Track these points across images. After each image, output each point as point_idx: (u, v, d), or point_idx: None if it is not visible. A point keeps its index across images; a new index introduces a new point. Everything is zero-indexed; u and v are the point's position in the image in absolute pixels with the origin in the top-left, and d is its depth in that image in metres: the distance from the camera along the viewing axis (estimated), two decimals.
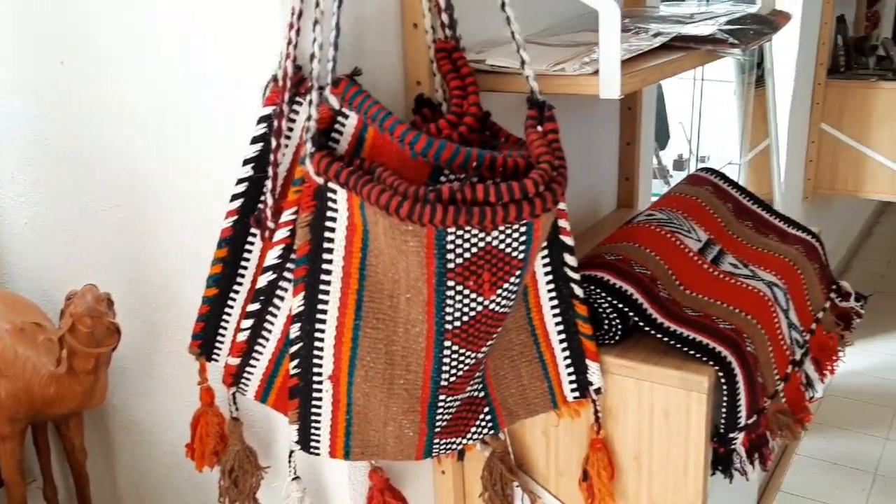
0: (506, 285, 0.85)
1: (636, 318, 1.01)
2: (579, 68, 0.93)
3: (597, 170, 1.54)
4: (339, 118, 0.87)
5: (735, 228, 1.30)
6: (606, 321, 1.02)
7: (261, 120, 0.91)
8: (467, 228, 0.79)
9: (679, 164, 2.16)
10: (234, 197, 0.93)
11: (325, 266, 0.87)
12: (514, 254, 0.83)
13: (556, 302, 0.98)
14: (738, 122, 2.46)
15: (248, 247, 0.94)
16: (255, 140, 0.91)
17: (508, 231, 0.81)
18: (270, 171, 0.89)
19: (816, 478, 2.20)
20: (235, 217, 0.93)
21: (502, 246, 0.82)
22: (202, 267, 0.96)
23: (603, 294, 1.02)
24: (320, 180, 0.85)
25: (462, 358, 0.88)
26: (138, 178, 1.12)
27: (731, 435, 1.00)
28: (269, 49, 0.90)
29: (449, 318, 0.83)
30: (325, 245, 0.87)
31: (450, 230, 0.78)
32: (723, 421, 0.99)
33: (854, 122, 2.78)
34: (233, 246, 0.94)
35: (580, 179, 1.48)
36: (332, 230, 0.86)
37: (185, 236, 1.11)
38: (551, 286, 0.98)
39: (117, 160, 1.14)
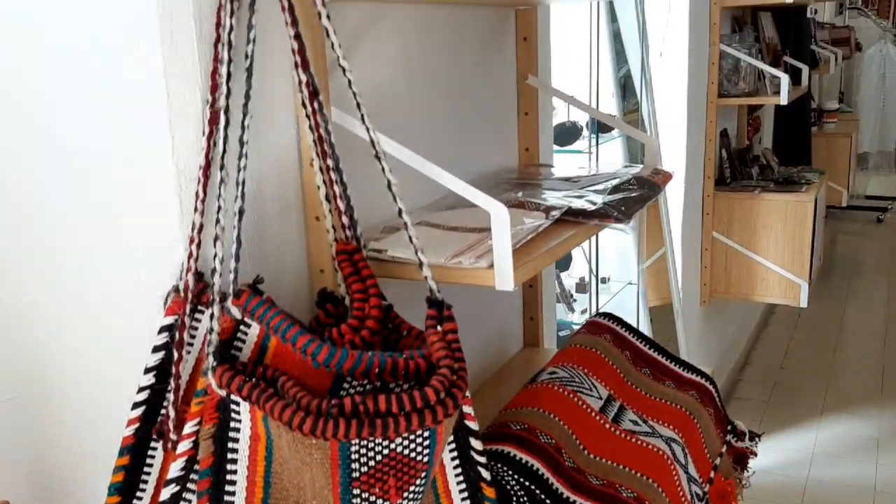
0: (412, 488, 0.86)
1: (542, 496, 1.03)
2: (475, 262, 0.97)
3: (502, 310, 1.59)
4: (242, 327, 0.88)
5: (634, 378, 1.35)
6: (515, 500, 1.04)
7: (162, 329, 0.91)
8: (371, 438, 0.80)
9: (581, 286, 2.24)
10: (136, 405, 0.92)
11: (229, 477, 0.86)
12: (419, 458, 0.84)
13: (463, 486, 1.00)
14: (633, 235, 2.58)
15: (150, 455, 0.92)
16: (155, 349, 0.91)
17: (412, 437, 0.83)
18: (172, 384, 0.89)
19: None
20: (137, 425, 0.92)
21: (407, 451, 0.83)
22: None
23: (510, 472, 1.04)
24: (223, 393, 0.85)
25: None
26: (40, 374, 1.10)
27: None
28: (170, 261, 0.91)
29: None
30: (229, 456, 0.86)
31: (353, 441, 0.80)
32: None
33: (742, 230, 2.96)
34: (134, 454, 0.92)
35: (487, 321, 1.52)
36: (236, 440, 0.86)
37: (87, 443, 1.08)
38: (458, 470, 1.00)
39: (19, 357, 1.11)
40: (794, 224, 2.85)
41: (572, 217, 1.19)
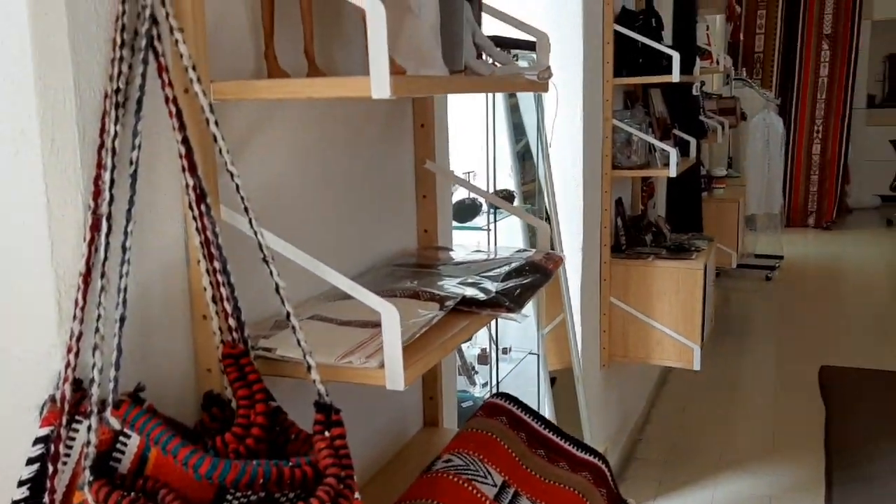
0: None
1: None
2: (365, 362, 0.98)
3: (401, 391, 1.59)
4: (121, 437, 0.86)
5: (529, 461, 1.37)
6: None
7: (37, 441, 0.87)
8: None
9: (483, 357, 2.27)
10: None
11: None
12: None
13: None
14: (532, 303, 2.64)
15: None
16: (30, 461, 0.87)
17: None
18: (47, 498, 0.85)
19: None
20: None
21: None
22: None
23: None
24: None
25: None
26: None
27: None
28: (47, 370, 0.88)
29: None
30: None
31: None
32: None
33: (638, 295, 3.06)
34: None
35: (385, 401, 1.52)
36: None
37: None
38: None
39: None
40: (686, 291, 2.97)
41: (465, 307, 1.21)
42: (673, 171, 2.97)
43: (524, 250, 1.50)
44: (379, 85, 0.85)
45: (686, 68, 3.29)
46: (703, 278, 3.04)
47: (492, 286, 1.27)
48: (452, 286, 1.28)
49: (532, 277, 1.34)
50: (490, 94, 2.27)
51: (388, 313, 0.94)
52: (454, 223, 1.89)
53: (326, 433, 0.90)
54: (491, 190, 2.18)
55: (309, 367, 0.92)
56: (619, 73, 3.04)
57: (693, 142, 3.52)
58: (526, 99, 2.70)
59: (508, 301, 1.21)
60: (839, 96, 8.01)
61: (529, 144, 2.70)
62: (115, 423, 0.85)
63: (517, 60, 2.17)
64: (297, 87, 0.92)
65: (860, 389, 3.93)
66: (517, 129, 2.68)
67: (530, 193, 2.67)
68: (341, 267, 1.36)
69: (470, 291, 1.23)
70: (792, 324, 5.25)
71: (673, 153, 2.95)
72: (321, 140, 1.29)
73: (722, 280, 6.32)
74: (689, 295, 2.97)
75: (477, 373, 2.22)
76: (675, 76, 2.86)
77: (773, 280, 6.26)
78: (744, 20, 8.17)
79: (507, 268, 1.38)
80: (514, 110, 2.67)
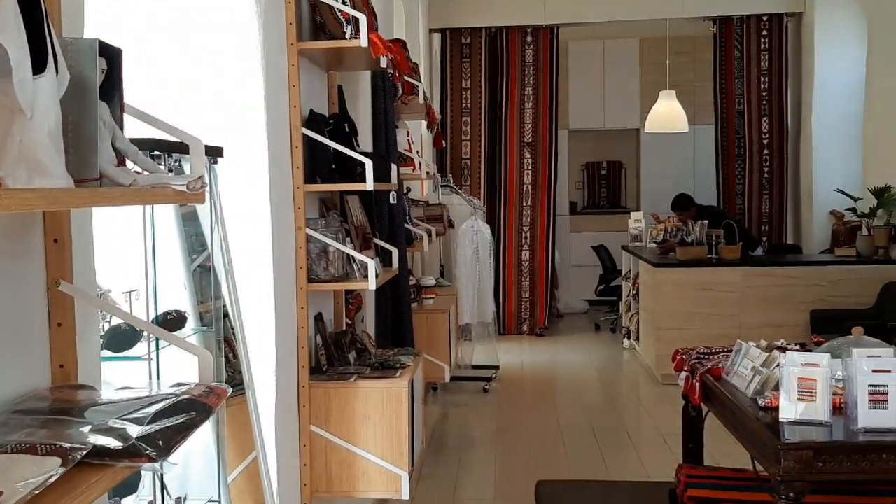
0: None
1: None
2: None
3: None
4: None
5: None
6: None
7: None
8: None
9: None
10: None
11: None
12: None
13: None
14: (213, 438, 2.52)
15: None
16: None
17: None
18: None
19: None
20: None
21: None
22: None
23: None
24: None
25: None
26: None
27: None
28: None
29: None
30: None
31: None
32: None
33: (341, 421, 3.07)
34: None
35: None
36: None
37: None
38: None
39: None
40: (391, 412, 3.03)
41: (98, 459, 1.12)
42: (372, 284, 3.06)
43: (182, 384, 1.43)
44: None
45: (384, 175, 3.46)
46: (409, 397, 3.13)
47: (135, 431, 1.19)
48: (85, 434, 1.18)
49: (185, 417, 1.28)
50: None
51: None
52: (107, 354, 1.77)
53: None
54: (158, 312, 2.08)
55: None
56: (312, 180, 3.12)
57: (395, 251, 3.68)
58: (206, 206, 2.65)
59: (151, 448, 1.13)
60: (543, 203, 8.90)
61: (212, 258, 2.64)
62: None
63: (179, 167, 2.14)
64: None
65: (574, 502, 4.23)
66: (196, 241, 2.62)
67: (213, 314, 2.59)
68: None
69: (103, 440, 1.14)
70: (510, 436, 5.56)
71: (371, 264, 3.06)
72: None
73: (440, 395, 6.56)
74: (395, 416, 3.03)
75: None
76: (370, 184, 2.99)
77: (490, 391, 6.63)
78: (450, 126, 8.88)
79: (157, 406, 1.30)
80: (191, 219, 2.61)
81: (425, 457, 4.73)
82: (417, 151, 5.35)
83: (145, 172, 1.32)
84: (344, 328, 3.67)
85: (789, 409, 2.50)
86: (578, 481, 4.49)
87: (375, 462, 3.02)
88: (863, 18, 7.68)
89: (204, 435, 2.43)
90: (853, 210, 6.99)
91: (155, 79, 2.67)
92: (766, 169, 8.67)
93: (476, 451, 5.31)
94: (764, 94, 8.59)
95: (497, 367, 7.12)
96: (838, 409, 2.55)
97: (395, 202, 3.92)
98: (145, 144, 1.83)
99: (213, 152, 2.36)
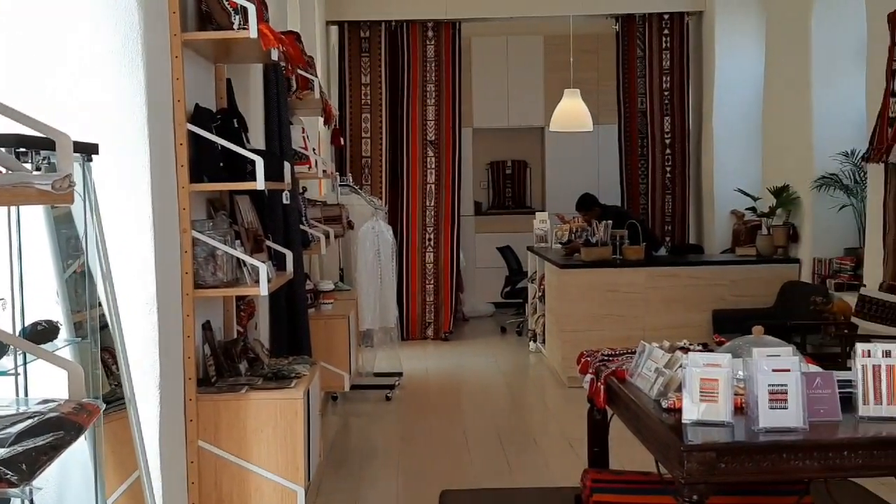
0: None
1: None
2: None
3: None
4: None
5: None
6: None
7: None
8: None
9: None
10: None
11: None
12: None
13: None
14: (90, 459, 2.42)
15: None
16: None
17: None
18: None
19: None
20: None
21: None
22: None
23: None
24: None
25: None
26: None
27: None
28: None
29: None
30: None
31: None
32: None
33: (231, 435, 2.99)
34: None
35: None
36: None
37: None
38: None
39: None
40: (285, 424, 2.97)
41: None
42: (264, 289, 3.00)
43: (50, 400, 1.36)
44: None
45: (276, 173, 3.39)
46: (305, 408, 3.08)
47: None
48: None
49: (52, 437, 1.21)
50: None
51: None
52: None
53: None
54: (25, 323, 1.98)
55: None
56: (199, 179, 3.04)
57: (289, 254, 3.62)
58: (81, 207, 2.54)
59: (11, 473, 1.07)
60: (447, 203, 8.93)
61: (86, 263, 2.53)
62: None
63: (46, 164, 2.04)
64: None
65: None
66: (71, 245, 2.51)
67: (88, 323, 2.48)
68: None
69: None
70: (414, 445, 5.54)
71: (263, 268, 3.00)
72: None
73: (340, 404, 6.50)
74: (289, 429, 2.98)
75: None
76: (260, 183, 2.93)
77: (393, 399, 6.60)
78: (349, 123, 8.81)
79: (21, 426, 1.23)
80: (65, 221, 2.49)
81: (324, 471, 4.66)
82: (314, 149, 5.29)
83: (3, 170, 1.25)
84: (235, 336, 3.58)
85: (692, 409, 2.57)
86: (484, 490, 4.52)
87: (269, 478, 2.96)
88: (762, 18, 7.99)
89: (80, 454, 2.33)
90: (753, 209, 7.26)
91: (26, 71, 2.55)
92: (668, 168, 8.92)
93: (378, 462, 5.27)
94: (666, 93, 8.84)
95: (400, 374, 7.10)
96: (740, 409, 2.62)
97: (289, 202, 3.85)
98: (9, 140, 1.74)
99: (87, 149, 2.26)
